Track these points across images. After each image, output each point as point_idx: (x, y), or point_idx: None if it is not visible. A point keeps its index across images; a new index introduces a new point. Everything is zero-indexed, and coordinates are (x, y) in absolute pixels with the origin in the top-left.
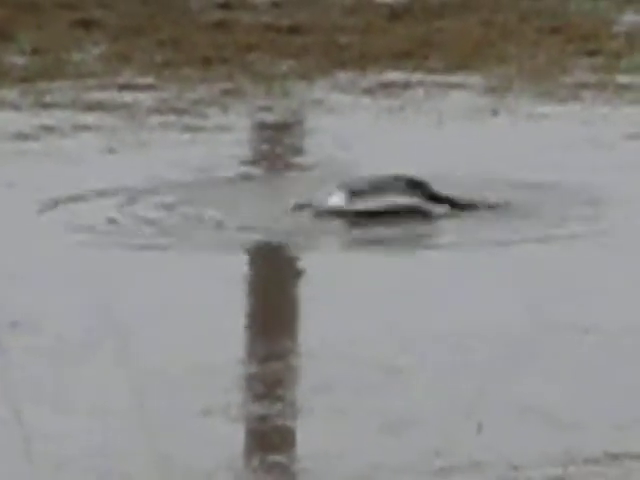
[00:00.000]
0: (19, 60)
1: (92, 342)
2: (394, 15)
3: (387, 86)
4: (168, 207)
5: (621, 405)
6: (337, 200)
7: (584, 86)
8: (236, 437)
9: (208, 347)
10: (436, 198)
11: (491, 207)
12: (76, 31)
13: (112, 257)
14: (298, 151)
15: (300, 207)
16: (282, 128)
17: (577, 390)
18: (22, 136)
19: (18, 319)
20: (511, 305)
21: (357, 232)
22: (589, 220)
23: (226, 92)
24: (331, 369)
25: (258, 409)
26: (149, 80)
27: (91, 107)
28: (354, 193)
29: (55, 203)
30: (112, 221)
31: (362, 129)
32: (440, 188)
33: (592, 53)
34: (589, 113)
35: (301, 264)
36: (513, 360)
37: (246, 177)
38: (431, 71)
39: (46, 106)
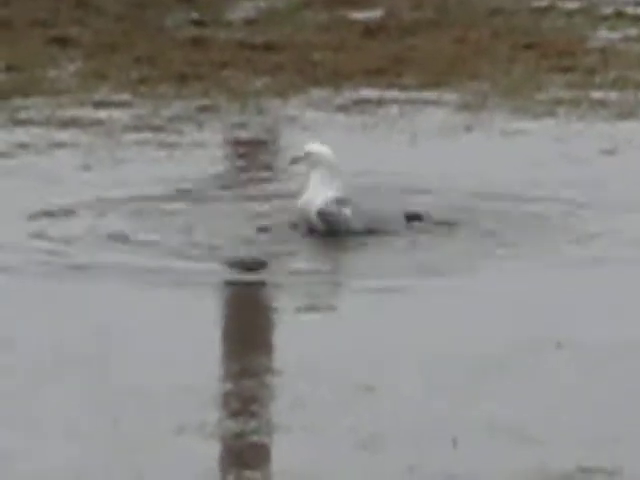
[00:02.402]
0: None
1: (66, 361)
2: (368, 32)
3: (361, 103)
4: (140, 223)
5: (592, 421)
6: (322, 202)
7: (558, 102)
8: (211, 454)
9: (183, 365)
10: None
11: (454, 222)
12: (51, 48)
13: (85, 276)
14: (272, 168)
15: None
16: (257, 145)
17: (549, 406)
18: None
19: None
20: (482, 322)
21: (329, 250)
22: (562, 235)
23: (202, 109)
24: (305, 387)
25: (233, 426)
26: (125, 97)
27: (66, 124)
28: (341, 202)
29: (28, 218)
30: (84, 236)
31: (336, 146)
32: (413, 203)
33: (566, 69)
34: (563, 129)
35: (272, 284)
36: (485, 377)
37: (220, 193)
38: (405, 88)
39: (21, 123)
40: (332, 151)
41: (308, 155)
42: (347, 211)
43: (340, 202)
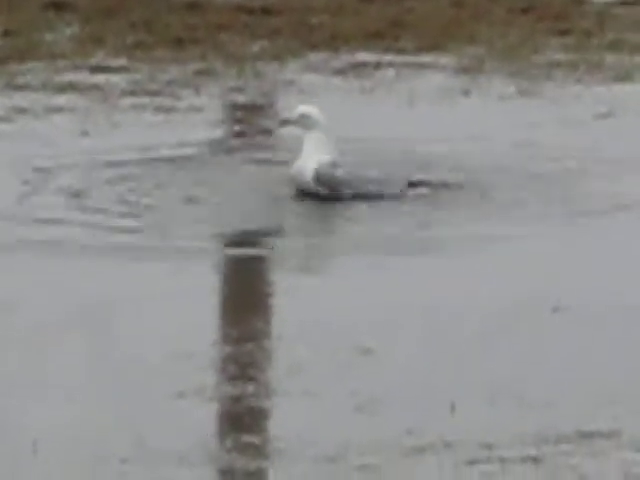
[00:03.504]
0: None
1: (67, 327)
2: None
3: (358, 67)
4: (139, 188)
5: (592, 385)
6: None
7: (555, 65)
8: (210, 418)
9: (182, 330)
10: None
11: (455, 186)
12: (48, 13)
13: (87, 242)
14: (269, 132)
15: (285, 122)
16: (254, 109)
17: (549, 370)
18: None
19: None
20: (482, 286)
21: (332, 213)
22: (561, 199)
23: (198, 73)
24: (304, 351)
25: (232, 390)
26: (121, 62)
27: (63, 89)
28: (335, 165)
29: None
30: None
31: (333, 109)
32: (410, 168)
33: (563, 32)
34: (560, 92)
35: (272, 249)
36: (485, 341)
37: (217, 157)
38: (402, 52)
39: (18, 88)
40: (324, 115)
41: (301, 117)
42: (342, 173)
43: (334, 165)
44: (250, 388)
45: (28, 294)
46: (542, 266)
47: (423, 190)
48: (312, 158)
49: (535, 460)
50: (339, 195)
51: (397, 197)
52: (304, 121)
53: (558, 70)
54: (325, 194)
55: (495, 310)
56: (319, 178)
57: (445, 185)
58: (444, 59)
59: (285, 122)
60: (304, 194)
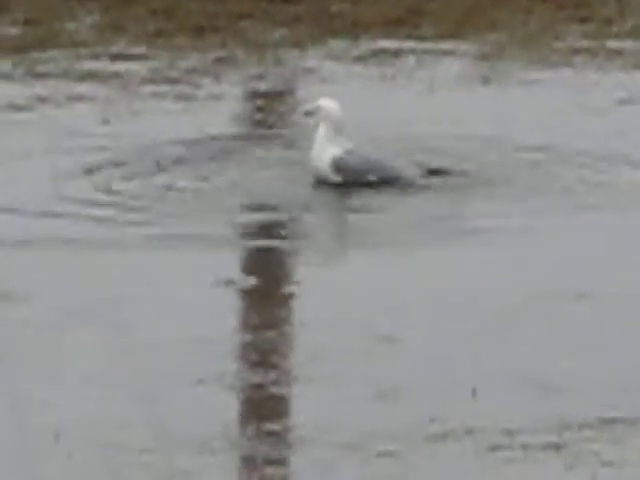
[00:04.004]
0: (12, 30)
1: (87, 313)
2: None
3: (379, 54)
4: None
5: (614, 371)
6: (334, 152)
7: (575, 52)
8: (231, 405)
9: (202, 317)
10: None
11: (472, 174)
12: (69, 1)
13: (107, 229)
14: (290, 121)
15: (309, 113)
16: (275, 96)
17: (570, 356)
18: (15, 106)
19: (10, 290)
20: (502, 273)
21: (350, 202)
22: (579, 186)
23: (219, 61)
24: (325, 338)
25: (253, 377)
26: (142, 50)
27: (84, 77)
28: (351, 153)
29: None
30: (108, 192)
31: (354, 97)
32: (431, 155)
33: (583, 19)
34: (580, 79)
35: (292, 238)
36: (506, 327)
37: (239, 145)
38: (422, 39)
39: (39, 76)
40: (344, 103)
41: (318, 109)
42: (358, 161)
43: (351, 153)
44: (271, 375)
45: (47, 285)
46: (564, 254)
47: (441, 178)
48: (328, 147)
49: (557, 446)
50: (357, 183)
51: (414, 185)
52: (322, 113)
53: (578, 57)
54: (343, 182)
55: (516, 297)
56: (337, 166)
57: (463, 173)
58: (464, 46)
59: (309, 112)
60: (322, 182)
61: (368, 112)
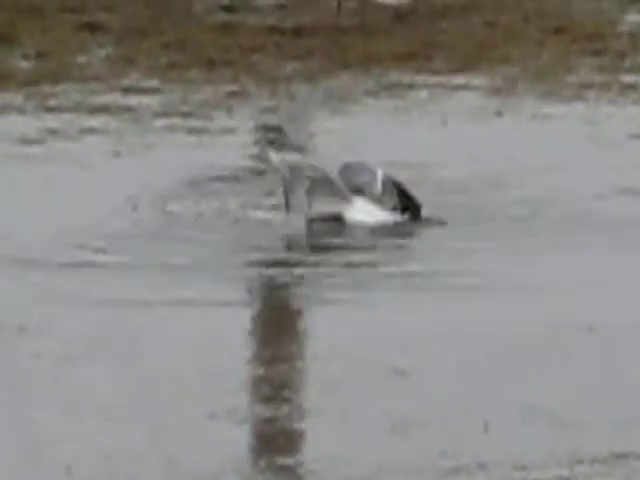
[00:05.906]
0: (24, 64)
1: (99, 344)
2: (398, 16)
3: (391, 87)
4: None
5: (626, 404)
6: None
7: (588, 86)
8: (242, 439)
9: (214, 350)
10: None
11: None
12: (81, 34)
13: (123, 259)
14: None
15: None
16: (287, 130)
17: (582, 390)
18: (27, 140)
19: (25, 323)
20: (514, 307)
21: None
22: (593, 221)
23: (231, 94)
24: (337, 371)
25: (264, 411)
26: (154, 83)
27: (96, 110)
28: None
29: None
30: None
31: (366, 130)
32: (440, 189)
33: (596, 53)
34: (593, 113)
35: (303, 269)
36: (517, 360)
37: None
38: (435, 72)
39: (51, 110)
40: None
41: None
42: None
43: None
44: (283, 409)
45: (57, 314)
46: (574, 287)
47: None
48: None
49: None
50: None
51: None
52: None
53: (591, 91)
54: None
55: (528, 330)
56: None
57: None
58: (477, 80)
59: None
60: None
61: (380, 145)
